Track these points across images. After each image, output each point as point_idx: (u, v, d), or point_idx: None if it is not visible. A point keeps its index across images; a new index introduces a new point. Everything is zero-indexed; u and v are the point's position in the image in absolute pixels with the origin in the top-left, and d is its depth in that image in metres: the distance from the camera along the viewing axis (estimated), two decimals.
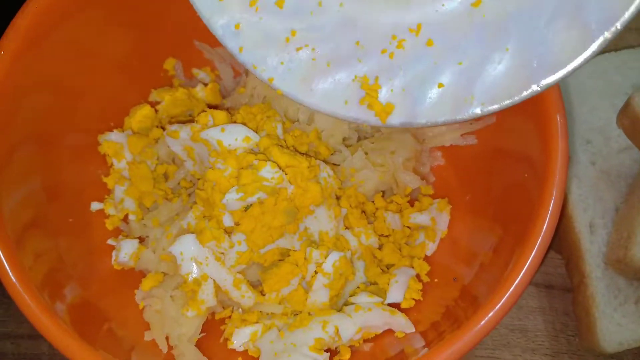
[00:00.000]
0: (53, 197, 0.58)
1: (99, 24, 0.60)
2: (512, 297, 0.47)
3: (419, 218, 0.62)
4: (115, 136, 0.65)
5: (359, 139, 0.65)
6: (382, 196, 0.64)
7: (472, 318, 0.47)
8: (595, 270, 0.60)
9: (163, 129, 0.66)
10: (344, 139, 0.64)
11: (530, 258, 0.48)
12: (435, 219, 0.62)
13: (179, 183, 0.65)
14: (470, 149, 0.63)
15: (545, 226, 0.48)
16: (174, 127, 0.61)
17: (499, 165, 0.59)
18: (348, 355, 0.57)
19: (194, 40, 0.68)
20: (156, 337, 0.57)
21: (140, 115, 0.66)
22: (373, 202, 0.63)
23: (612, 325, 0.59)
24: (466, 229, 0.62)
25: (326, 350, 0.56)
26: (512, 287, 0.47)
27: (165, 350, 0.56)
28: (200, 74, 0.71)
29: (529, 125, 0.53)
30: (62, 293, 0.53)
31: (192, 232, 0.57)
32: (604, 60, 0.67)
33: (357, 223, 0.61)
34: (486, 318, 0.47)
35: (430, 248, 0.63)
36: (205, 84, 0.70)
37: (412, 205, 0.64)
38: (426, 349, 0.52)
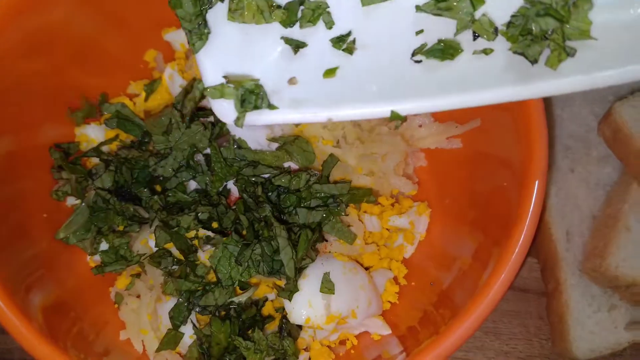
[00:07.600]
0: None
1: (79, 10, 0.58)
2: (491, 304, 0.47)
3: (398, 221, 0.62)
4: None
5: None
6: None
7: (450, 324, 0.47)
8: (571, 277, 0.61)
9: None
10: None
11: (509, 264, 0.48)
12: (414, 222, 0.62)
13: None
14: (453, 153, 0.63)
15: (524, 232, 0.48)
16: None
17: (480, 170, 0.59)
18: None
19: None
20: (131, 337, 0.56)
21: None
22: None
23: (584, 333, 0.60)
24: (445, 232, 0.62)
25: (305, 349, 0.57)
26: (491, 294, 0.48)
27: (140, 350, 0.55)
28: None
29: (510, 129, 0.52)
30: (36, 290, 0.52)
31: None
32: None
33: None
34: (465, 325, 0.47)
35: (409, 251, 0.63)
36: None
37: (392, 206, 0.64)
38: (404, 354, 0.52)
